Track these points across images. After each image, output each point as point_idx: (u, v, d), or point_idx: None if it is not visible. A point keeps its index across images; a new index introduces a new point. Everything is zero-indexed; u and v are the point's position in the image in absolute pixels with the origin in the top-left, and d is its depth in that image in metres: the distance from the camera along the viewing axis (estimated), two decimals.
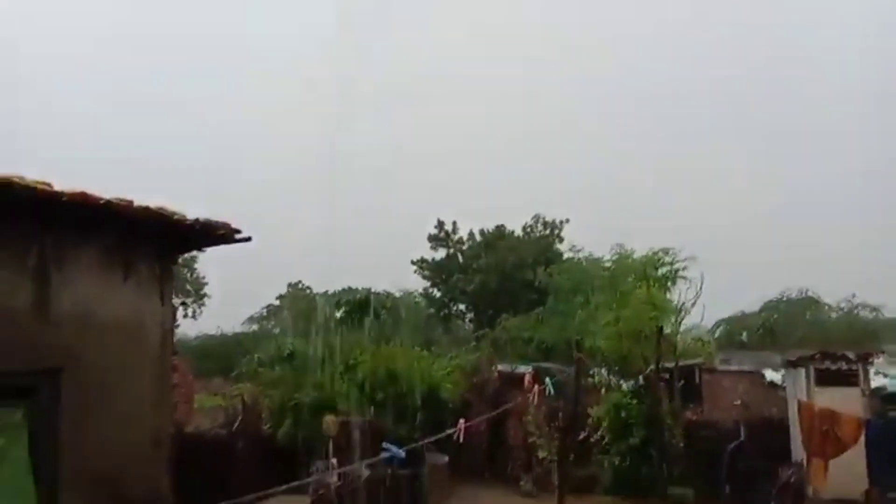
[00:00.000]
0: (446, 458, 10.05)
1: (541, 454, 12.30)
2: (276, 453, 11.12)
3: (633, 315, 11.68)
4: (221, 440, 11.09)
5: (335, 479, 7.61)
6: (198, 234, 5.01)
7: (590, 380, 11.78)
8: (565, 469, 7.91)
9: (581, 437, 12.12)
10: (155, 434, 4.68)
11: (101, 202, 4.19)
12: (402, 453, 3.35)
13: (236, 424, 11.39)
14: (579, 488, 11.93)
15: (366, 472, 7.74)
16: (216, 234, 4.97)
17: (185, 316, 46.40)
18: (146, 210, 4.44)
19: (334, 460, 7.60)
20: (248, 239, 5.28)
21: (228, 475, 10.10)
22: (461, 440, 4.60)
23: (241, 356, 17.59)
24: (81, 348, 4.30)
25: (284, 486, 2.91)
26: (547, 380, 6.54)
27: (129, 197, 4.46)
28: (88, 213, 4.22)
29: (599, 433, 11.90)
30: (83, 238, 4.47)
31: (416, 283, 37.37)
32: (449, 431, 4.72)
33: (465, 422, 4.75)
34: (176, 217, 4.62)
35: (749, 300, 24.83)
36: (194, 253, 42.20)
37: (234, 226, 5.08)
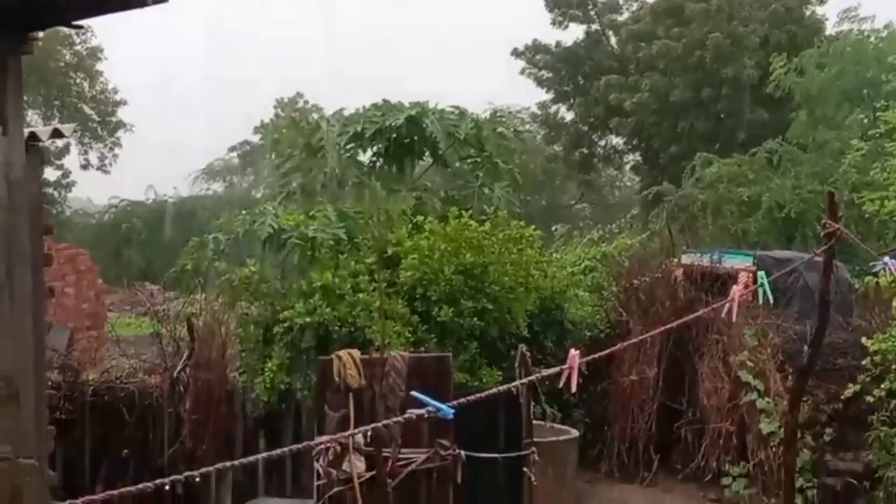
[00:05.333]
0: (574, 434, 10.29)
1: (765, 428, 12.40)
2: (254, 420, 11.72)
3: None
4: (154, 396, 11.74)
5: (361, 465, 7.95)
6: None
7: (868, 279, 11.55)
8: (794, 461, 7.87)
9: (847, 392, 12.11)
10: (3, 378, 4.94)
11: None
12: (447, 410, 3.39)
13: (179, 368, 11.97)
14: (841, 495, 12.08)
15: (420, 457, 8.02)
16: None
17: (86, 166, 48.71)
18: None
19: (360, 436, 7.91)
20: None
21: (165, 458, 10.79)
22: (572, 388, 4.57)
23: (189, 241, 18.28)
24: None
25: (237, 464, 3.01)
26: (760, 275, 6.34)
27: None
28: None
29: (885, 386, 11.82)
30: None
31: (524, 96, 37.12)
32: (546, 372, 4.70)
33: (583, 354, 4.70)
34: None
35: None
36: (88, 39, 43.07)
37: None
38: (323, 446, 7.95)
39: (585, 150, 38.50)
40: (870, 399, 12.04)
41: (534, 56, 37.91)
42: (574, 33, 37.75)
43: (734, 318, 6.32)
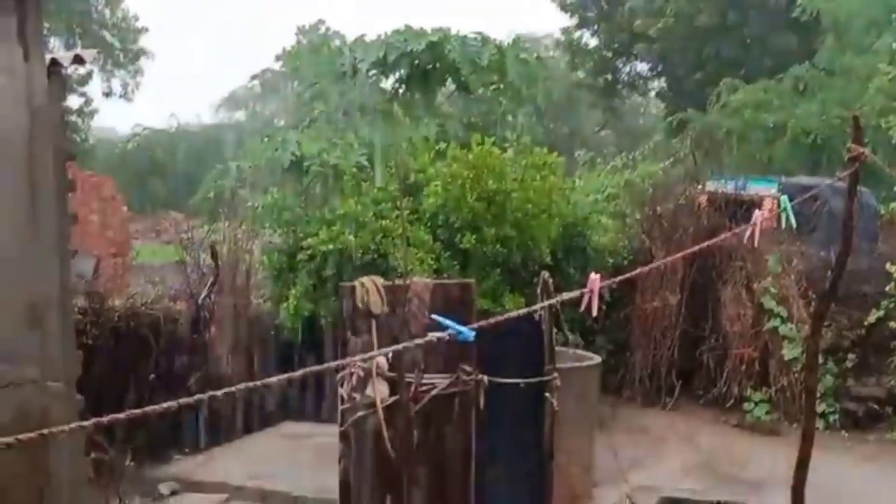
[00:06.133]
0: (596, 360, 10.33)
1: (788, 353, 12.47)
2: (278, 346, 11.85)
3: None
4: (179, 323, 11.89)
5: (385, 389, 8.02)
6: None
7: (893, 205, 11.53)
8: (815, 383, 7.91)
9: (870, 319, 12.14)
10: (30, 304, 5.01)
11: None
12: (467, 332, 3.47)
13: (204, 295, 12.09)
14: (863, 420, 12.21)
15: (442, 382, 8.07)
16: None
17: (109, 94, 48.75)
18: None
19: (381, 360, 7.96)
20: None
21: (191, 383, 10.95)
22: (592, 312, 4.62)
23: (212, 169, 18.42)
24: None
25: (262, 384, 3.06)
26: (783, 199, 6.31)
27: None
28: None
29: None
30: None
31: (550, 24, 36.73)
32: (567, 296, 4.74)
33: (605, 279, 4.73)
34: None
35: None
36: None
37: None
38: (347, 371, 8.01)
39: (609, 77, 38.20)
40: (893, 325, 12.10)
41: None
42: None
43: (756, 244, 6.30)
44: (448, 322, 3.75)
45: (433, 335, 3.87)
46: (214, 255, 12.27)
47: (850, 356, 12.42)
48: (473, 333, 3.69)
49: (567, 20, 38.11)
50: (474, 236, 11.49)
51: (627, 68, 38.80)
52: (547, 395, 8.47)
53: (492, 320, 3.93)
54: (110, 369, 10.48)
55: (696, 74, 32.04)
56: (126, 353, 10.94)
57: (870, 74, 18.46)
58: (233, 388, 2.86)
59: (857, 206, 6.69)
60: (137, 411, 2.63)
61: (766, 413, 12.49)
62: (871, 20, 20.47)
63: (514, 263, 11.68)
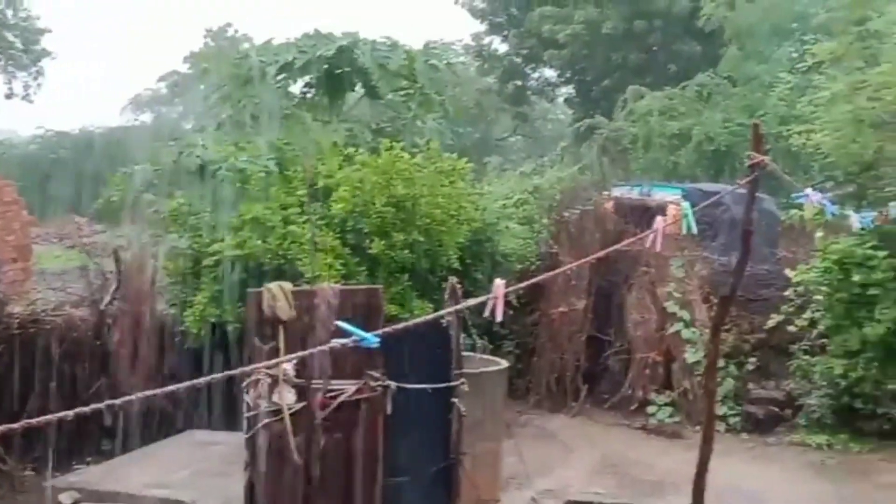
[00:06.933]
0: (503, 365, 10.40)
1: (690, 357, 12.68)
2: (183, 353, 11.72)
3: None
4: (82, 329, 11.68)
5: (291, 396, 7.98)
6: None
7: (793, 212, 11.76)
8: (714, 385, 8.09)
9: (770, 323, 12.40)
10: None
11: None
12: (371, 339, 3.50)
13: (107, 301, 11.90)
14: (763, 422, 12.47)
15: (350, 388, 8.06)
16: None
17: (10, 96, 47.74)
18: None
19: (288, 367, 7.92)
20: None
21: (93, 391, 10.78)
22: (497, 317, 4.69)
23: (117, 172, 18.12)
24: None
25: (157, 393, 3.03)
26: (685, 206, 6.48)
27: None
28: None
29: (807, 316, 12.14)
30: None
31: (462, 31, 36.83)
32: (472, 301, 4.80)
33: (510, 283, 4.81)
34: None
35: None
36: None
37: None
38: (253, 378, 7.96)
39: (519, 83, 38.52)
40: (792, 329, 12.37)
41: None
42: None
43: (658, 248, 6.42)
44: (352, 328, 3.77)
45: (336, 342, 3.89)
46: (118, 261, 12.11)
47: (751, 360, 12.69)
48: (377, 340, 3.71)
49: (478, 26, 38.41)
50: (383, 242, 11.47)
51: (536, 74, 39.17)
52: (454, 400, 8.51)
53: (398, 326, 3.95)
54: (9, 377, 10.29)
55: (603, 81, 32.44)
56: (26, 360, 10.74)
57: (771, 83, 18.90)
58: (135, 396, 2.84)
59: (756, 213, 6.85)
60: (36, 420, 2.60)
61: (669, 416, 12.70)
62: (772, 29, 20.95)
63: (422, 269, 11.69)
